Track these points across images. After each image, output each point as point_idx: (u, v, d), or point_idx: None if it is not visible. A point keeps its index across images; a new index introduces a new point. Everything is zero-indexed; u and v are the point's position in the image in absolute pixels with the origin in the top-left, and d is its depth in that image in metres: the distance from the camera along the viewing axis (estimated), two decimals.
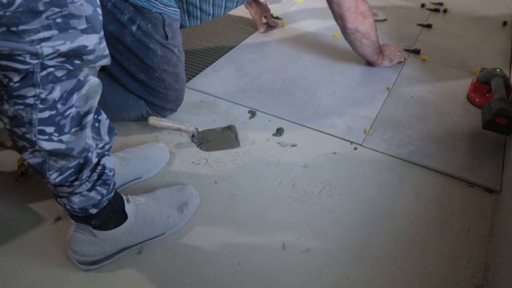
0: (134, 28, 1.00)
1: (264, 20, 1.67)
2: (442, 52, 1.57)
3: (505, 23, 1.83)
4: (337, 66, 1.45)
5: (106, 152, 0.71)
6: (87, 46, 0.57)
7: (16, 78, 0.55)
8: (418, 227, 0.91)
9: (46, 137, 0.61)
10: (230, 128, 1.14)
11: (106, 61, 0.62)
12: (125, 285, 0.78)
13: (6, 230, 0.85)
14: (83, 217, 0.74)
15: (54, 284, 0.77)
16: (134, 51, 1.02)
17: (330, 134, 1.15)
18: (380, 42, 1.55)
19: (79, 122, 0.63)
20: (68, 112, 0.61)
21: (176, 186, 0.92)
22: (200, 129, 1.12)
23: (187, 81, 1.32)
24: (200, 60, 1.46)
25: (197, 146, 1.09)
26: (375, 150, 1.11)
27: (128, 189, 0.95)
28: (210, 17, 1.18)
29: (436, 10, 1.94)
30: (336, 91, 1.33)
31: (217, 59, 1.46)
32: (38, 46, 0.53)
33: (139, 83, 1.07)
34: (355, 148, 1.12)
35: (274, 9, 1.77)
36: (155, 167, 0.99)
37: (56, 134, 0.61)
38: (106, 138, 0.70)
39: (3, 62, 0.53)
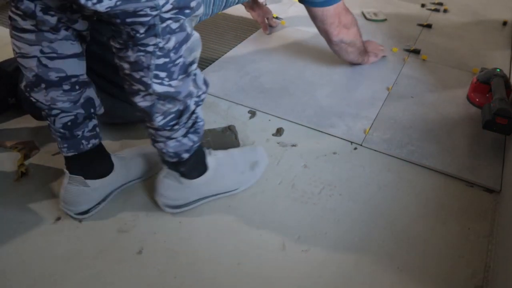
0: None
1: (266, 22, 1.67)
2: (442, 52, 1.57)
3: (505, 23, 1.83)
4: (337, 66, 1.45)
5: (201, 102, 0.80)
6: None
7: (141, 29, 0.65)
8: (418, 227, 0.91)
9: (159, 81, 0.71)
10: (230, 128, 1.14)
11: (200, 10, 0.72)
12: (125, 285, 0.78)
13: (6, 230, 0.86)
14: (174, 163, 0.84)
15: (54, 284, 0.77)
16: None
17: (330, 134, 1.15)
18: (380, 42, 1.55)
19: (185, 70, 0.73)
20: (178, 61, 0.71)
21: (248, 147, 1.03)
22: None
23: None
24: (200, 60, 1.45)
25: None
26: (375, 150, 1.11)
27: (128, 189, 0.95)
28: (209, 16, 1.18)
29: (436, 10, 1.94)
30: (336, 91, 1.33)
31: (217, 59, 1.46)
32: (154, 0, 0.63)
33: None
34: (355, 148, 1.12)
35: (274, 9, 1.77)
36: (155, 166, 0.99)
37: (167, 79, 0.71)
38: (203, 87, 0.79)
39: (130, 19, 0.63)
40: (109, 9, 0.61)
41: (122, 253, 0.83)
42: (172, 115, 0.77)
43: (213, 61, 1.44)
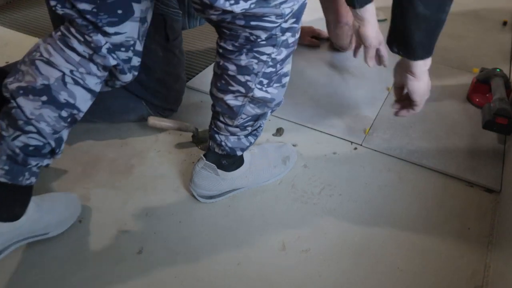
0: None
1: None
2: (442, 52, 1.57)
3: (505, 23, 1.83)
4: (337, 66, 1.45)
5: (273, 111, 0.85)
6: (305, 3, 0.71)
7: (263, 35, 0.69)
8: (418, 227, 0.91)
9: (260, 87, 0.76)
10: None
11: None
12: (125, 285, 0.78)
13: None
14: (221, 155, 0.88)
15: (54, 284, 0.77)
16: None
17: (330, 134, 1.15)
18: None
19: (280, 80, 0.79)
20: (280, 72, 0.77)
21: (279, 143, 1.06)
22: (200, 129, 1.12)
23: (187, 81, 1.32)
24: (200, 60, 1.46)
25: (197, 146, 1.09)
26: (375, 150, 1.11)
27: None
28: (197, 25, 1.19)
29: None
30: (336, 91, 1.33)
31: None
32: (281, 8, 0.66)
33: (139, 84, 1.06)
34: (355, 148, 1.12)
35: None
36: (64, 222, 0.85)
37: (266, 86, 0.77)
38: (282, 98, 0.84)
39: (254, 22, 0.66)
40: (243, 11, 0.63)
41: (122, 253, 0.83)
42: (251, 117, 0.82)
43: (213, 61, 1.44)
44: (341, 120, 1.20)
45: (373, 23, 1.13)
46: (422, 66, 0.90)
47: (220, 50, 0.74)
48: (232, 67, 0.74)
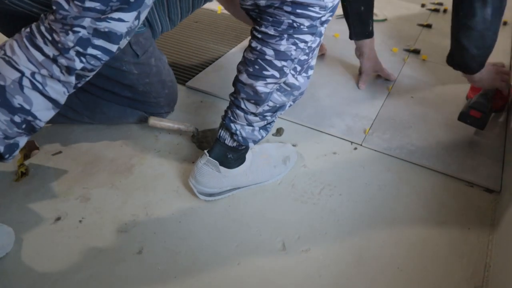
0: None
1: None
2: (442, 52, 1.57)
3: (505, 23, 1.83)
4: (337, 66, 1.45)
5: (292, 103, 0.88)
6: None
7: (306, 23, 0.73)
8: (418, 227, 0.91)
9: (294, 73, 0.81)
10: None
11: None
12: (125, 285, 0.78)
13: None
14: (229, 148, 0.89)
15: (54, 284, 0.77)
16: (111, 77, 1.02)
17: (330, 134, 1.15)
18: (380, 42, 1.55)
19: (308, 71, 0.83)
20: (309, 61, 0.82)
21: (279, 143, 1.06)
22: (200, 129, 1.12)
23: (187, 81, 1.32)
24: (200, 60, 1.46)
25: (197, 146, 1.09)
26: (375, 150, 1.11)
27: None
28: (190, 12, 1.15)
29: (436, 10, 1.94)
30: (336, 91, 1.33)
31: (217, 59, 1.46)
32: (325, 1, 0.71)
33: (128, 99, 1.07)
34: (355, 148, 1.12)
35: None
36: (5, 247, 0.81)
37: (298, 73, 0.81)
38: (305, 89, 0.87)
39: (300, 10, 0.71)
40: None
41: (122, 253, 0.83)
42: (274, 106, 0.85)
43: (213, 61, 1.44)
44: (341, 120, 1.20)
45: (371, 56, 1.33)
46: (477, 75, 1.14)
47: (259, 35, 0.76)
48: (270, 52, 0.76)
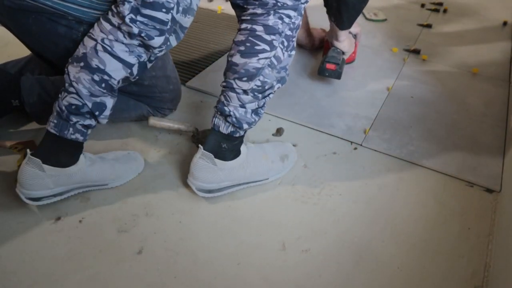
0: None
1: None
2: (442, 52, 1.57)
3: (505, 23, 1.83)
4: None
5: (280, 84, 0.94)
6: None
7: (289, 3, 0.86)
8: (418, 227, 0.91)
9: (282, 47, 0.89)
10: None
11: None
12: (125, 285, 0.78)
13: (6, 230, 0.85)
14: (224, 136, 0.92)
15: (54, 284, 0.77)
16: None
17: (330, 134, 1.15)
18: (380, 42, 1.55)
19: (292, 50, 0.92)
20: (293, 39, 0.91)
21: (277, 142, 1.08)
22: (200, 129, 1.12)
23: (187, 81, 1.32)
24: (200, 60, 1.46)
25: (197, 146, 1.08)
26: (375, 150, 1.11)
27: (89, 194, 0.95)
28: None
29: (436, 10, 1.94)
30: (336, 91, 1.33)
31: (217, 59, 1.46)
32: None
33: (133, 93, 1.07)
34: (355, 148, 1.12)
35: None
36: (124, 176, 0.97)
37: (285, 49, 0.90)
38: (288, 68, 0.94)
39: None
40: None
41: (122, 253, 0.83)
42: (269, 81, 0.90)
43: (213, 61, 1.44)
44: (341, 120, 1.20)
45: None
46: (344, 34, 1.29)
47: (248, 17, 0.88)
48: (259, 28, 0.87)
